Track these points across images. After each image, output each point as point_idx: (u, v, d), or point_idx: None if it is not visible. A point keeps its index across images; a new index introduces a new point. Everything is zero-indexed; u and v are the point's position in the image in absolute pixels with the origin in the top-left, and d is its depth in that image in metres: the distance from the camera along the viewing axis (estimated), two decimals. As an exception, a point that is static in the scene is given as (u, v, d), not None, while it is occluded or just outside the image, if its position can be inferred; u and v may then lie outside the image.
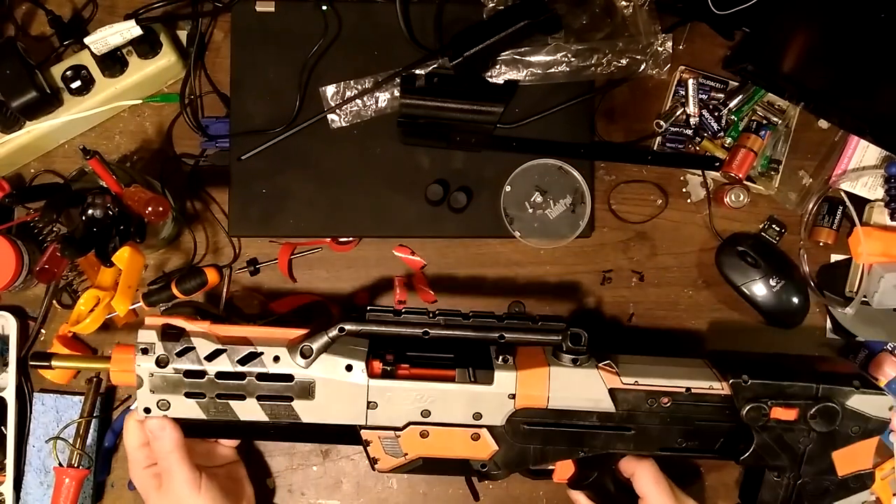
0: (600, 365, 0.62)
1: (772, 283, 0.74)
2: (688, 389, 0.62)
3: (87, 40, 0.68)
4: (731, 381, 0.62)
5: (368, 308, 0.60)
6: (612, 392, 0.62)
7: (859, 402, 0.64)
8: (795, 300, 0.74)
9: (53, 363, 0.62)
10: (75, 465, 0.70)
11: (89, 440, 0.71)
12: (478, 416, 0.61)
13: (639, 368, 0.63)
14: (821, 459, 0.65)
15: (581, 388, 0.61)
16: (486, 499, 0.76)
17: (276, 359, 0.60)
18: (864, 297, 0.73)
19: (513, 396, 0.61)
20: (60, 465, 0.70)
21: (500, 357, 0.62)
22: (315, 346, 0.60)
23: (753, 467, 0.67)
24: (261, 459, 0.76)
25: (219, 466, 0.68)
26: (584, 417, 0.62)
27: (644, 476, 0.63)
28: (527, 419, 0.62)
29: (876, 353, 0.77)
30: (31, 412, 0.74)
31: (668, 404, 0.62)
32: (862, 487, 0.66)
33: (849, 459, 0.65)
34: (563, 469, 0.67)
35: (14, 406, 0.73)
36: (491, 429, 0.62)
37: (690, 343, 0.78)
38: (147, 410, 0.60)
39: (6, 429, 0.73)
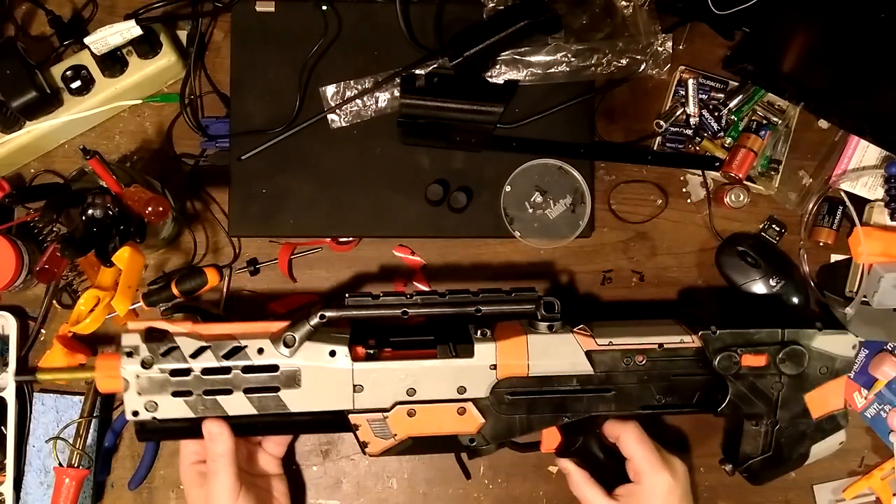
0: (575, 329, 0.65)
1: (772, 283, 0.74)
2: (660, 345, 0.65)
3: (87, 40, 0.68)
4: (700, 333, 0.65)
5: (347, 295, 0.61)
6: (588, 354, 0.64)
7: (824, 342, 0.67)
8: (795, 300, 0.74)
9: (38, 376, 0.64)
10: (75, 465, 0.70)
11: (89, 440, 0.71)
12: (462, 389, 0.63)
13: (612, 330, 0.66)
14: (794, 403, 0.67)
15: (559, 352, 0.64)
16: (486, 499, 0.76)
17: (261, 351, 0.61)
18: (864, 297, 0.73)
19: (494, 367, 0.63)
20: (60, 465, 0.70)
21: (479, 332, 0.63)
22: (297, 335, 0.61)
23: (732, 422, 0.70)
24: (261, 459, 0.76)
25: (261, 477, 0.68)
26: (565, 382, 0.64)
27: (629, 437, 0.66)
28: (510, 389, 0.64)
29: (876, 353, 0.77)
30: (31, 412, 0.74)
31: (644, 362, 0.65)
32: (836, 428, 0.69)
33: (821, 401, 0.68)
34: (550, 439, 0.68)
35: (14, 406, 0.73)
36: (476, 402, 0.63)
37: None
38: (135, 413, 0.61)
39: (6, 429, 0.73)
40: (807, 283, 0.76)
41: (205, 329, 0.62)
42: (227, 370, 0.61)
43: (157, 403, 0.61)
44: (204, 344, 0.61)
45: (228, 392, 0.61)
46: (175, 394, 0.61)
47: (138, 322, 0.62)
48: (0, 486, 0.73)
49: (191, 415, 0.61)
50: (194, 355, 0.61)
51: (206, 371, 0.61)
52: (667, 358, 0.65)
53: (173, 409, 0.61)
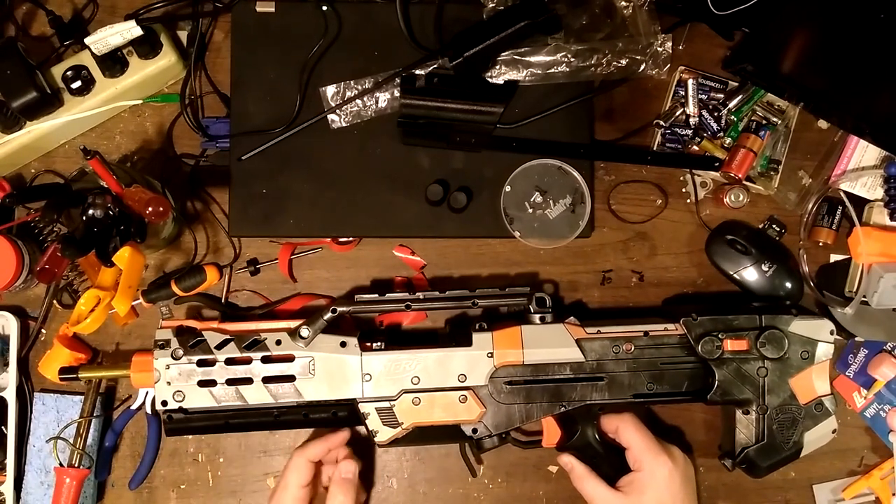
0: (565, 321, 0.69)
1: (764, 268, 0.74)
2: (646, 333, 0.70)
3: (87, 40, 0.69)
4: (682, 320, 0.70)
5: (356, 293, 0.68)
6: (579, 342, 0.69)
7: (801, 327, 0.70)
8: (789, 284, 0.74)
9: (80, 374, 0.69)
10: (76, 465, 0.70)
11: (90, 440, 0.72)
12: (462, 377, 0.68)
13: (600, 322, 0.70)
14: (781, 389, 0.70)
15: (551, 341, 0.69)
16: (486, 499, 0.76)
17: (278, 342, 0.67)
18: (864, 297, 0.73)
19: (491, 355, 0.68)
20: (61, 464, 0.70)
21: (477, 325, 0.69)
22: (312, 328, 0.67)
23: (725, 416, 0.73)
24: (261, 459, 0.76)
25: None
26: (559, 370, 0.69)
27: (626, 428, 0.68)
28: (508, 378, 0.68)
29: (875, 354, 0.77)
30: (31, 412, 0.74)
31: (632, 350, 0.69)
32: (826, 414, 0.71)
33: (806, 386, 0.70)
34: (550, 433, 0.71)
35: (14, 406, 0.73)
36: (476, 390, 0.68)
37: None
38: (164, 403, 0.66)
39: (7, 429, 0.73)
40: (799, 267, 0.76)
41: (231, 326, 0.68)
42: (247, 360, 0.67)
43: (184, 393, 0.66)
44: (228, 337, 0.67)
45: (249, 382, 0.67)
46: (201, 384, 0.66)
47: (171, 320, 0.69)
48: (0, 486, 0.73)
49: (214, 404, 0.66)
50: (219, 347, 0.67)
51: (228, 361, 0.67)
52: (653, 345, 0.69)
53: (199, 398, 0.66)
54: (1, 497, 0.73)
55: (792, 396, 0.70)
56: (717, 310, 0.70)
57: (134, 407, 0.73)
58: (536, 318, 0.69)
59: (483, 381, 0.68)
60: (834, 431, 0.71)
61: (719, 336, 0.69)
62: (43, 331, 0.75)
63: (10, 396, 0.73)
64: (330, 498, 0.67)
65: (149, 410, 0.72)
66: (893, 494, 0.76)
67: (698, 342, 0.69)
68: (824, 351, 0.70)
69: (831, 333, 0.70)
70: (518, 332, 0.68)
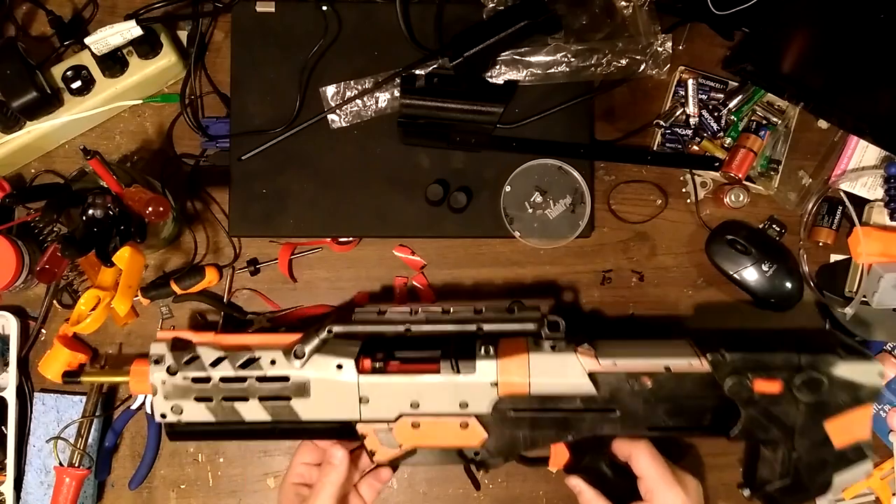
0: (578, 349, 0.63)
1: (764, 268, 0.74)
2: (667, 368, 0.62)
3: (87, 40, 0.69)
4: (709, 357, 0.62)
5: (355, 310, 0.64)
6: (591, 375, 0.62)
7: (846, 370, 0.62)
8: (789, 284, 0.74)
9: (82, 379, 0.66)
10: (76, 465, 0.70)
11: (90, 440, 0.72)
12: (464, 405, 0.63)
13: (617, 351, 0.63)
14: (813, 431, 0.62)
15: (560, 372, 0.62)
16: (486, 499, 0.76)
17: (273, 362, 0.63)
18: (864, 297, 0.73)
19: (495, 384, 0.62)
20: (61, 464, 0.70)
21: (483, 348, 0.63)
22: (307, 348, 0.63)
23: (752, 445, 0.66)
24: (261, 459, 0.76)
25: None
26: (568, 402, 0.63)
27: (641, 457, 0.63)
28: (512, 406, 0.63)
29: (875, 354, 0.77)
30: (31, 412, 0.74)
31: (650, 384, 0.62)
32: (862, 458, 0.63)
33: (844, 429, 0.63)
34: (558, 455, 0.67)
35: (15, 406, 0.73)
36: (479, 417, 0.63)
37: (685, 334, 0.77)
38: (163, 416, 0.64)
39: (7, 428, 0.73)
40: (799, 267, 0.76)
41: (225, 339, 0.65)
42: (242, 379, 0.63)
43: (182, 407, 0.64)
44: (222, 355, 0.64)
45: (245, 399, 0.64)
46: (197, 399, 0.64)
47: (165, 332, 0.66)
48: (0, 486, 0.73)
49: (212, 419, 0.64)
50: (213, 364, 0.63)
51: (223, 379, 0.64)
52: (675, 381, 0.62)
53: (196, 412, 0.64)
54: (1, 497, 0.73)
55: (826, 440, 0.62)
56: (751, 344, 0.63)
57: (134, 407, 0.73)
58: (547, 344, 0.63)
59: (486, 409, 0.63)
60: (867, 473, 0.64)
61: (749, 376, 0.61)
62: (43, 331, 0.75)
63: (10, 396, 0.73)
64: (317, 481, 0.64)
65: (149, 411, 0.72)
66: (893, 494, 0.76)
67: (725, 381, 0.61)
68: (869, 394, 0.62)
69: (880, 376, 0.62)
70: (525, 360, 0.62)
